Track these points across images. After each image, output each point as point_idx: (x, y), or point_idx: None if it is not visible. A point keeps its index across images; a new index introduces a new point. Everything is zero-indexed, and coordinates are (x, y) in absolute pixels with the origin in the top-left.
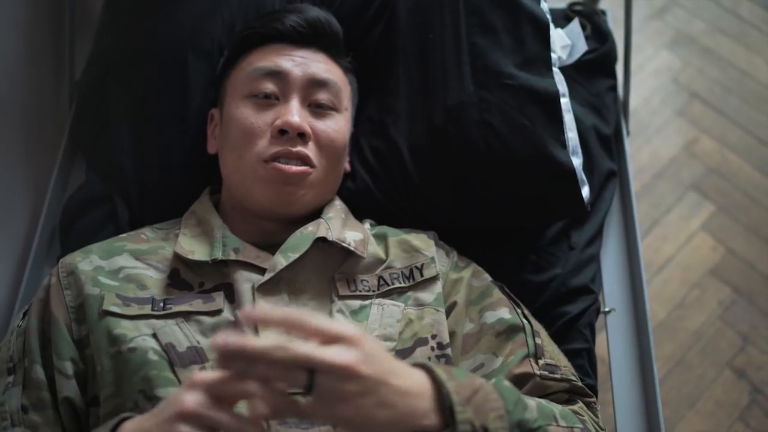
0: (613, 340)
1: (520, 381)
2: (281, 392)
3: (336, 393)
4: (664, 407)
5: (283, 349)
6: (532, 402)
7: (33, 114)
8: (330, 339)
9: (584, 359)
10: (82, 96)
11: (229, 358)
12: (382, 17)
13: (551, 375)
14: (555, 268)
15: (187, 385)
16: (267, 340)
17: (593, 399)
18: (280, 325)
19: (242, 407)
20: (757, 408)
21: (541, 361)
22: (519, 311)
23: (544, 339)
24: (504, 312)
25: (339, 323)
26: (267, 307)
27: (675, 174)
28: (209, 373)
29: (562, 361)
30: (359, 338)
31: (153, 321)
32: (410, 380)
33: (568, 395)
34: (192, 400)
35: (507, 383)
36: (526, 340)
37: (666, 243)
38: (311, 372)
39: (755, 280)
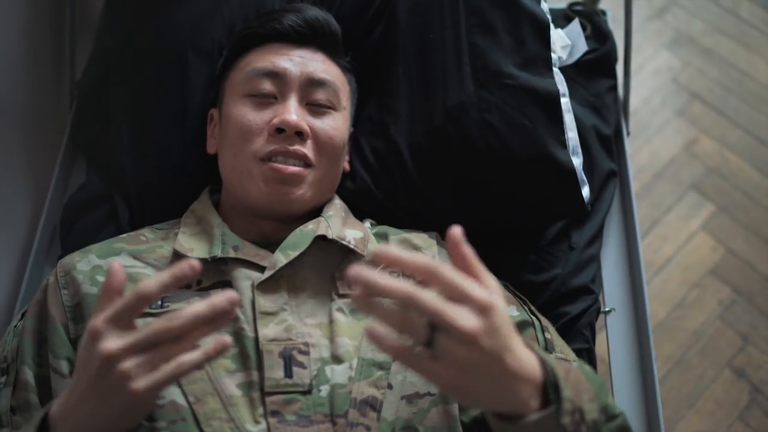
0: (613, 340)
1: None
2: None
3: (452, 356)
4: (664, 407)
5: (413, 296)
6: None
7: (33, 114)
8: (460, 297)
9: (584, 359)
10: (82, 96)
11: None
12: (382, 17)
13: None
14: (555, 268)
15: (89, 335)
16: (400, 283)
17: None
18: (412, 269)
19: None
20: (757, 408)
21: (552, 356)
22: (526, 308)
23: (553, 334)
24: (512, 309)
25: (475, 285)
26: (400, 249)
27: (675, 174)
28: (102, 313)
29: (571, 355)
30: (490, 306)
31: (150, 319)
32: (522, 361)
33: None
34: (109, 343)
35: (588, 367)
36: (536, 336)
37: (666, 243)
38: (432, 328)
39: (755, 280)
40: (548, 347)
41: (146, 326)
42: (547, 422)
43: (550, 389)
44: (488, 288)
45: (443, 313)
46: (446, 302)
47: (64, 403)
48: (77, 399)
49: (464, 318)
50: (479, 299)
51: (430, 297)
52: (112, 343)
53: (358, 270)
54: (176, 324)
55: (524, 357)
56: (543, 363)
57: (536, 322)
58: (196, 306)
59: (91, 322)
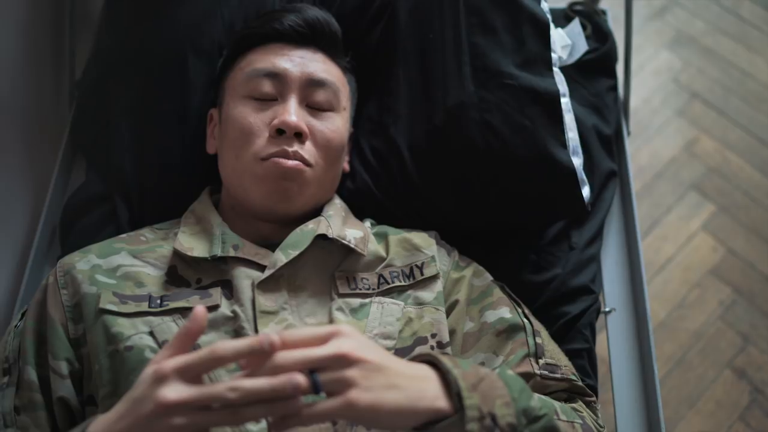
0: (613, 340)
1: None
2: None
3: (341, 382)
4: (664, 407)
5: (278, 363)
6: (535, 395)
7: (33, 114)
8: (324, 340)
9: (584, 359)
10: (82, 96)
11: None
12: (382, 17)
13: (551, 374)
14: (555, 268)
15: (154, 376)
16: (261, 373)
17: (593, 398)
18: (281, 349)
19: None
20: (757, 408)
21: (541, 361)
22: (520, 311)
23: (545, 338)
24: (505, 311)
25: (329, 325)
26: (259, 336)
27: (675, 174)
28: (174, 360)
29: (563, 360)
30: (349, 331)
31: (150, 318)
32: (413, 367)
33: (567, 394)
34: (169, 391)
35: (511, 372)
36: (527, 340)
37: (666, 243)
38: (312, 373)
39: (755, 280)
40: (538, 352)
41: (208, 387)
42: (454, 429)
43: (454, 398)
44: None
45: (309, 355)
46: (307, 349)
47: (106, 428)
48: (120, 429)
49: (329, 347)
50: (337, 329)
51: (290, 354)
52: (174, 393)
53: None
54: (236, 396)
55: (411, 364)
56: (444, 372)
57: (528, 326)
58: (260, 382)
59: (160, 364)
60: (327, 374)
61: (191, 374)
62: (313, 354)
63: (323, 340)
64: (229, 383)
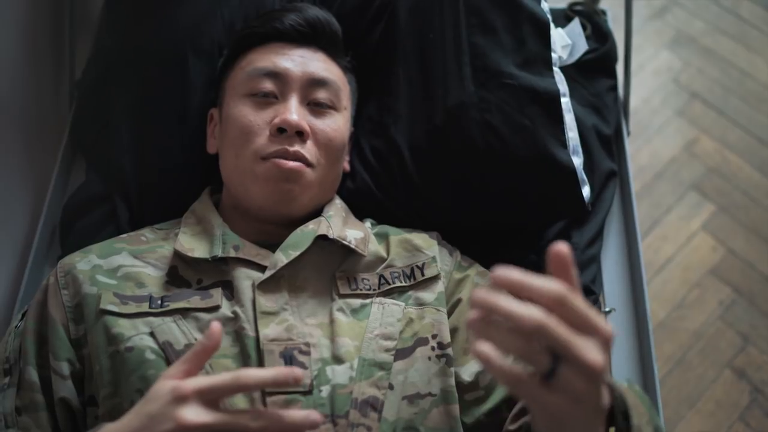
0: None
1: None
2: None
3: (571, 388)
4: (665, 407)
5: (544, 325)
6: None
7: (33, 114)
8: (588, 328)
9: None
10: (82, 96)
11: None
12: (382, 17)
13: None
14: None
15: (174, 394)
16: (530, 309)
17: None
18: (538, 295)
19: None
20: (757, 408)
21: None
22: None
23: None
24: None
25: (598, 315)
26: (524, 274)
27: (675, 174)
28: (196, 381)
29: None
30: (611, 339)
31: (151, 319)
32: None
33: None
34: (190, 413)
35: (638, 387)
36: None
37: (666, 243)
38: (556, 358)
39: (755, 280)
40: None
41: (229, 414)
42: None
43: (618, 416)
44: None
45: (573, 346)
46: (574, 333)
47: None
48: None
49: (591, 351)
50: (605, 332)
51: (562, 328)
52: (195, 416)
53: (484, 293)
54: (258, 426)
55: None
56: (611, 389)
57: None
58: (282, 414)
59: (182, 383)
60: (569, 372)
61: (212, 397)
62: (577, 350)
63: (585, 327)
64: (251, 411)
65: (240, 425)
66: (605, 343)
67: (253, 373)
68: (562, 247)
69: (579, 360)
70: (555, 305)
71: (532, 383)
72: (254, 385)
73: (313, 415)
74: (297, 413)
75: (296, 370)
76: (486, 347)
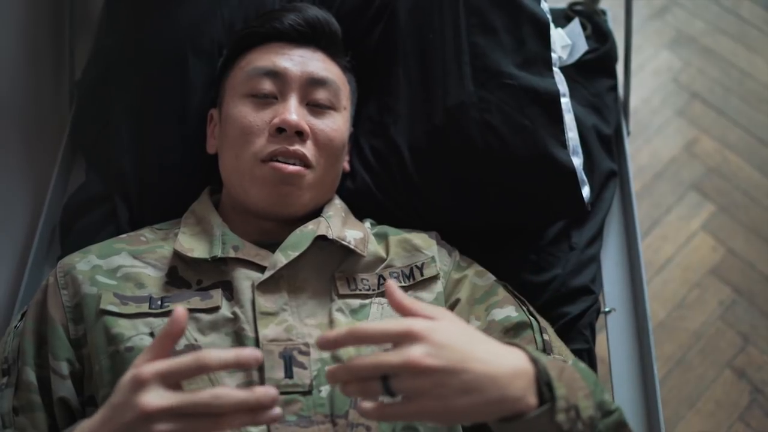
0: (613, 340)
1: None
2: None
3: (413, 390)
4: (664, 407)
5: (350, 369)
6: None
7: (33, 114)
8: (397, 339)
9: (584, 359)
10: (82, 96)
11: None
12: (382, 17)
13: None
14: (555, 269)
15: (134, 381)
16: (335, 365)
17: None
18: (350, 343)
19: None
20: (757, 408)
21: (547, 356)
22: (525, 309)
23: (551, 335)
24: (510, 309)
25: (406, 321)
26: (332, 332)
27: (675, 174)
28: (154, 365)
29: (570, 356)
30: (425, 332)
31: (150, 319)
32: (498, 364)
33: None
34: (151, 398)
35: (583, 365)
36: (534, 337)
37: (666, 243)
38: (385, 378)
39: (755, 280)
40: (546, 348)
41: (191, 395)
42: (542, 420)
43: (543, 388)
44: (423, 316)
45: (378, 363)
46: (380, 353)
47: None
48: None
49: (399, 354)
50: (411, 330)
51: (362, 359)
52: (155, 400)
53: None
54: (220, 403)
55: (502, 359)
56: (534, 361)
57: (534, 324)
58: (243, 393)
59: (140, 368)
60: (398, 382)
61: (173, 380)
62: (383, 364)
63: (397, 339)
64: (212, 392)
65: (203, 405)
66: (414, 338)
67: (215, 354)
68: (388, 285)
69: (388, 368)
70: (357, 342)
71: (393, 407)
72: (216, 366)
73: (272, 391)
74: (256, 390)
75: (257, 352)
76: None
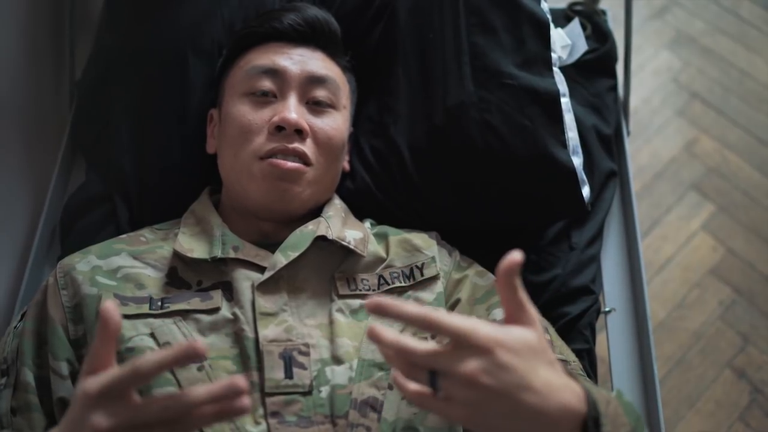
0: (613, 340)
1: None
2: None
3: (457, 396)
4: (664, 407)
5: (405, 348)
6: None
7: (33, 114)
8: (463, 342)
9: (584, 359)
10: (82, 96)
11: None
12: (382, 17)
13: None
14: (555, 269)
15: (83, 398)
16: (392, 334)
17: None
18: (416, 322)
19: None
20: (757, 408)
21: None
22: None
23: (553, 335)
24: None
25: (478, 326)
26: (403, 303)
27: (675, 174)
28: (96, 381)
29: (571, 356)
30: (491, 347)
31: (151, 320)
32: (550, 399)
33: None
34: (100, 418)
35: (627, 399)
36: None
37: (666, 243)
38: (434, 373)
39: (755, 280)
40: None
41: (140, 409)
42: None
43: (589, 422)
44: (515, 323)
45: (436, 361)
46: (441, 350)
47: None
48: None
49: (459, 361)
50: (479, 341)
51: (421, 347)
52: (103, 419)
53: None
54: (171, 414)
55: (557, 393)
56: (587, 396)
57: None
58: (196, 393)
59: (85, 384)
60: (448, 384)
61: (118, 393)
62: (441, 362)
63: (463, 342)
64: (161, 400)
65: (153, 417)
66: (482, 351)
67: (150, 359)
68: (513, 259)
69: (446, 371)
70: (425, 328)
71: (431, 399)
72: (155, 370)
73: (239, 380)
74: (217, 384)
75: (197, 343)
76: (398, 375)
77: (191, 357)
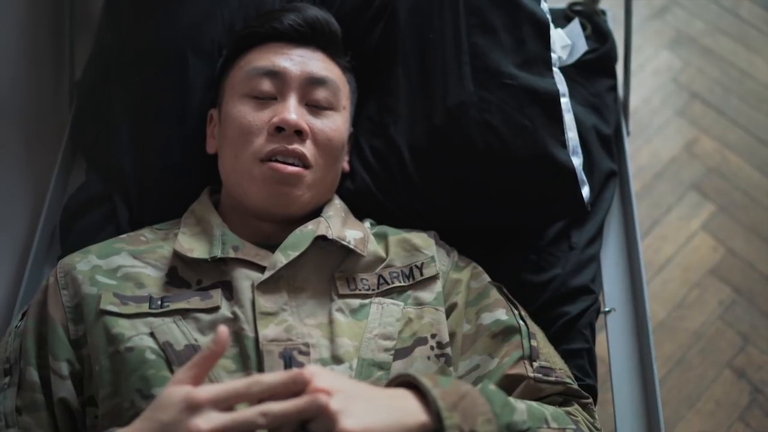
0: (613, 340)
1: (513, 382)
2: None
3: (329, 417)
4: (664, 407)
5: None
6: (522, 405)
7: (33, 114)
8: (293, 384)
9: (584, 359)
10: (82, 96)
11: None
12: (382, 17)
13: (545, 378)
14: (555, 269)
15: (188, 403)
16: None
17: (589, 400)
18: (234, 401)
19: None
20: (757, 408)
21: (535, 364)
22: (516, 312)
23: (540, 341)
24: (501, 313)
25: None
26: (292, 372)
27: (675, 174)
28: (210, 389)
29: (558, 363)
30: (314, 369)
31: (151, 319)
32: (388, 391)
33: (563, 398)
34: (202, 422)
35: (493, 387)
36: (522, 342)
37: (666, 243)
38: (301, 425)
39: (755, 280)
40: (532, 354)
41: (240, 414)
42: None
43: (434, 417)
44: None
45: (289, 408)
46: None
47: None
48: None
49: (303, 401)
50: (297, 379)
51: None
52: (207, 423)
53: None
54: (266, 421)
55: (386, 390)
56: (418, 387)
57: (523, 329)
58: (288, 405)
59: (195, 393)
60: (316, 423)
61: (225, 405)
62: (300, 406)
63: (294, 384)
64: (259, 408)
65: (251, 422)
66: (312, 374)
67: (266, 380)
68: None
69: (306, 411)
70: (267, 394)
71: None
72: (267, 392)
73: (323, 397)
74: (305, 399)
75: (304, 374)
76: None
77: (299, 386)
